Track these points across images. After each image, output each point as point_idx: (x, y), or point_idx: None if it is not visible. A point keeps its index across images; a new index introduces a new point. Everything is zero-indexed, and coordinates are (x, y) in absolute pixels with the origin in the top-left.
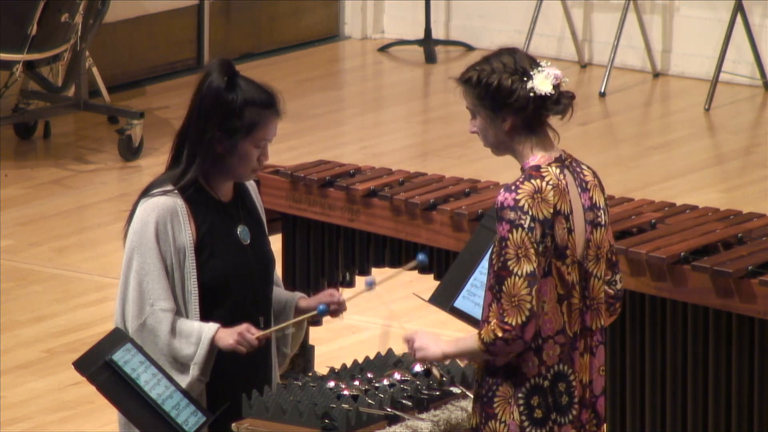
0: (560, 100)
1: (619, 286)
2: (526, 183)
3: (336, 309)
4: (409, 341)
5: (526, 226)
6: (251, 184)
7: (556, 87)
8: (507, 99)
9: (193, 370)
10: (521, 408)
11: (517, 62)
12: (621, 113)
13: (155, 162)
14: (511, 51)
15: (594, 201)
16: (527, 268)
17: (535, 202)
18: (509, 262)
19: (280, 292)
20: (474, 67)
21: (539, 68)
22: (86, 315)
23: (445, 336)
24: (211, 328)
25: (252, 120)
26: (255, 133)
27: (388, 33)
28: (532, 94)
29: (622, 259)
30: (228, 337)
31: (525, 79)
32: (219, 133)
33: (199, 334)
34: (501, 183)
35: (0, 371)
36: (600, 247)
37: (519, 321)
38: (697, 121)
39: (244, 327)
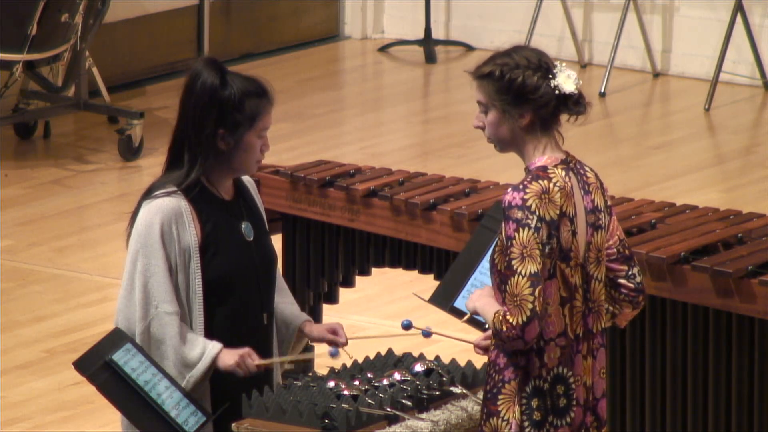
0: (580, 101)
1: (638, 279)
2: (533, 183)
3: (337, 346)
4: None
5: (532, 226)
6: (250, 182)
7: (576, 87)
8: (530, 95)
9: (188, 384)
10: (523, 408)
11: (541, 58)
12: (621, 113)
13: (155, 162)
14: (531, 47)
15: (595, 203)
16: (531, 268)
17: (542, 202)
18: (513, 262)
19: (284, 306)
20: (494, 61)
21: (558, 67)
22: (86, 315)
23: (445, 339)
24: (215, 346)
25: (252, 111)
26: (257, 123)
27: (388, 33)
28: (557, 92)
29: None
30: (229, 358)
31: (549, 76)
32: (222, 130)
33: (203, 349)
34: (501, 183)
35: (0, 371)
36: (600, 250)
37: (520, 321)
38: (697, 121)
39: (246, 351)
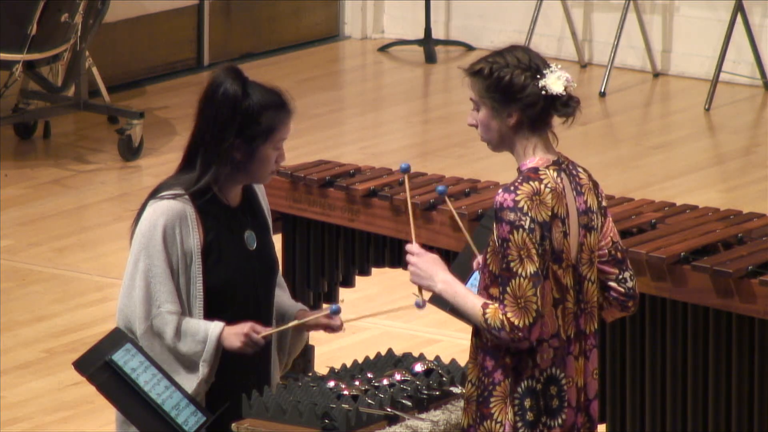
0: (569, 103)
1: (630, 284)
2: (524, 184)
3: (332, 331)
4: (410, 253)
5: (526, 226)
6: (259, 187)
7: (566, 89)
8: (517, 94)
9: (203, 368)
10: (516, 408)
11: (531, 59)
12: (621, 113)
13: (155, 162)
14: (524, 48)
15: (588, 204)
16: (531, 268)
17: (533, 204)
18: (512, 264)
19: (282, 298)
20: (485, 59)
21: (551, 68)
22: (86, 315)
23: (445, 338)
24: (217, 326)
25: (270, 123)
26: (273, 135)
27: (388, 33)
28: (543, 93)
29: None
30: (234, 338)
31: (538, 76)
32: (239, 141)
33: (206, 331)
34: (501, 183)
35: (0, 371)
36: (593, 251)
37: (527, 322)
38: (697, 121)
39: (249, 327)
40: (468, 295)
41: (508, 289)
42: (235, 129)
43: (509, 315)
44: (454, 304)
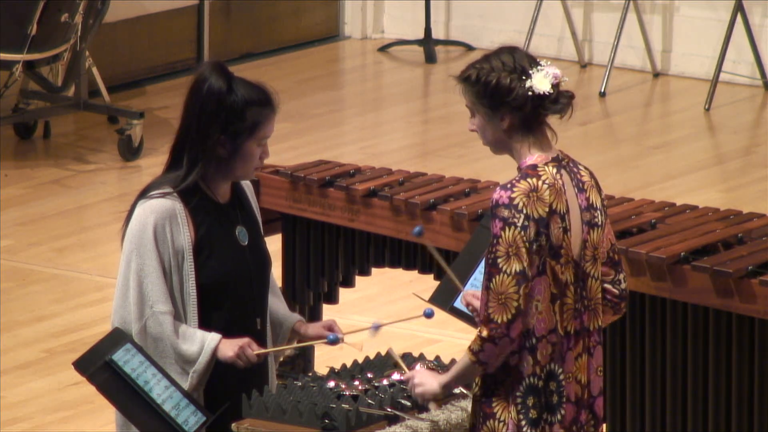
0: (558, 100)
1: (623, 285)
2: (522, 181)
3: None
4: (409, 379)
5: (519, 224)
6: (248, 185)
7: (554, 86)
8: (505, 97)
9: (192, 379)
10: (519, 407)
11: (516, 61)
12: (621, 113)
13: (155, 162)
14: (511, 50)
15: (591, 201)
16: (516, 266)
17: (530, 200)
18: (499, 260)
19: (278, 307)
20: (473, 65)
21: (538, 67)
22: (86, 315)
23: (445, 338)
24: (214, 337)
25: (254, 120)
26: (257, 132)
27: (388, 33)
28: (530, 93)
29: (622, 260)
30: (228, 349)
31: (524, 77)
32: (223, 137)
33: (203, 341)
34: (501, 183)
35: (0, 371)
36: (597, 248)
37: (505, 318)
38: (697, 121)
39: (245, 341)
40: (455, 365)
41: (491, 284)
42: (220, 125)
43: (489, 311)
44: (458, 380)
